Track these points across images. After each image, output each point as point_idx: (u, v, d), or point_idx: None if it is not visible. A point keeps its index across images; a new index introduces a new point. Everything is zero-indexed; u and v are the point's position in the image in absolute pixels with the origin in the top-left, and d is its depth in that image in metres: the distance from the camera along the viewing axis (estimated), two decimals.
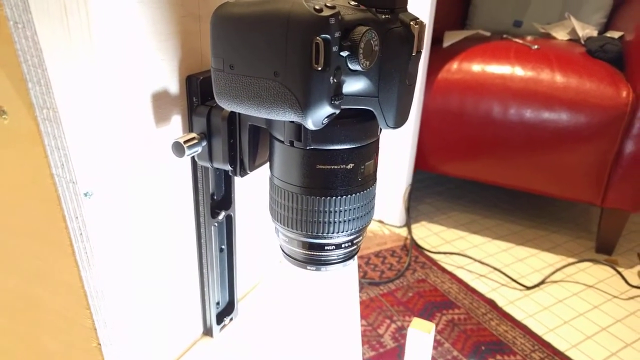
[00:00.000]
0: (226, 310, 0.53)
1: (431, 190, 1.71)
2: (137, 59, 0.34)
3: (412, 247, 1.36)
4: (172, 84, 0.39)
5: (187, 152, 0.39)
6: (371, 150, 0.38)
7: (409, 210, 1.47)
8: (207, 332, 0.51)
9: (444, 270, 1.29)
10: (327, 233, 0.38)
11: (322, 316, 0.66)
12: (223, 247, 0.50)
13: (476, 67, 1.31)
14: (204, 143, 0.41)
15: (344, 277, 0.67)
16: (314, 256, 0.40)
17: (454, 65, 1.33)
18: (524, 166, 1.31)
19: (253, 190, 0.54)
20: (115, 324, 0.34)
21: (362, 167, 0.37)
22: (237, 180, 0.49)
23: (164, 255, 0.43)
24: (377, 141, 0.39)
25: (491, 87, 1.28)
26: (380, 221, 1.50)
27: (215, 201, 0.48)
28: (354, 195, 0.37)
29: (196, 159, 0.43)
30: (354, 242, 0.40)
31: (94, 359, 0.32)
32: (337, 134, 0.35)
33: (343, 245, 0.39)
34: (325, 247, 0.39)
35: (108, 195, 0.31)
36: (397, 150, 1.39)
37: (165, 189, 0.41)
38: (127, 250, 0.35)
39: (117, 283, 0.34)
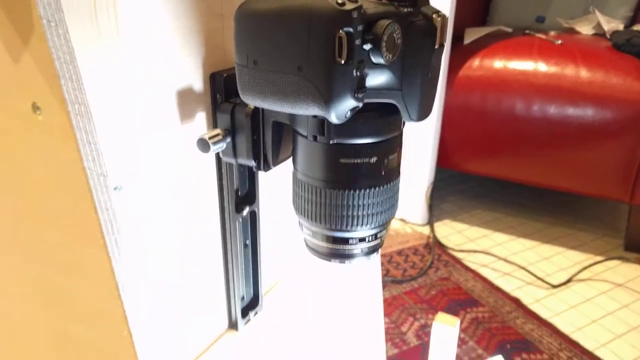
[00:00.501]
0: (251, 305, 0.53)
1: (453, 188, 1.70)
2: (163, 55, 0.35)
3: (434, 245, 1.35)
4: (197, 81, 0.40)
5: (212, 148, 0.40)
6: (395, 144, 0.38)
7: (431, 208, 1.46)
8: (232, 326, 0.52)
9: (467, 268, 1.27)
10: (351, 227, 0.38)
11: (346, 312, 0.67)
12: (247, 242, 0.51)
13: (498, 64, 1.30)
14: (228, 139, 0.42)
15: (367, 274, 0.68)
16: (337, 249, 0.40)
17: (476, 62, 1.32)
18: (548, 163, 1.29)
19: (277, 186, 0.54)
20: (145, 315, 0.35)
21: (386, 160, 0.37)
22: (261, 177, 0.50)
23: (190, 249, 0.43)
24: (401, 134, 0.39)
25: (513, 84, 1.26)
26: (402, 220, 1.49)
27: (240, 197, 0.48)
28: (377, 188, 0.37)
29: (221, 155, 0.43)
30: (378, 235, 0.40)
31: (125, 347, 0.33)
32: (361, 128, 0.35)
33: (367, 239, 0.40)
34: (349, 241, 0.39)
35: (136, 190, 0.32)
36: (419, 148, 1.39)
37: (191, 185, 0.42)
38: (156, 243, 0.36)
39: (146, 275, 0.34)
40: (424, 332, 1.06)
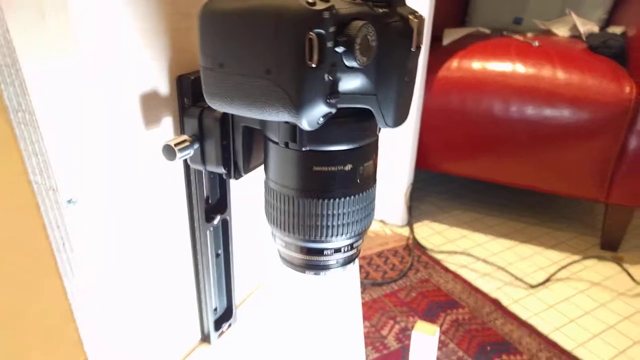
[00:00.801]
0: (224, 317, 0.51)
1: (433, 189, 1.70)
2: (124, 57, 0.32)
3: (414, 247, 1.34)
4: (162, 84, 0.38)
5: (179, 155, 0.37)
6: (370, 151, 0.36)
7: (410, 209, 1.45)
8: (205, 339, 0.49)
9: (447, 269, 1.27)
10: (326, 237, 0.36)
11: (324, 320, 0.65)
12: (219, 252, 0.49)
13: (476, 65, 1.29)
14: (196, 145, 0.39)
15: (345, 279, 0.66)
16: (312, 261, 0.38)
17: (454, 63, 1.32)
18: (526, 164, 1.30)
19: (250, 192, 0.52)
20: (103, 337, 0.33)
21: (361, 168, 0.36)
22: (233, 183, 0.48)
23: (157, 262, 0.41)
24: (377, 141, 0.37)
25: (492, 85, 1.26)
26: (381, 221, 1.48)
27: (210, 205, 0.46)
28: (353, 197, 0.36)
29: (189, 162, 0.41)
30: (354, 245, 0.39)
31: None
32: (334, 134, 0.34)
33: (342, 249, 0.38)
34: (324, 252, 0.38)
35: (94, 202, 0.30)
36: (397, 149, 1.38)
37: (156, 194, 0.39)
38: (115, 259, 0.33)
39: (104, 294, 0.32)
40: (404, 336, 1.05)
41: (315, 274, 0.39)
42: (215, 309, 0.50)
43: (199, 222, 0.45)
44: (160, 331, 0.44)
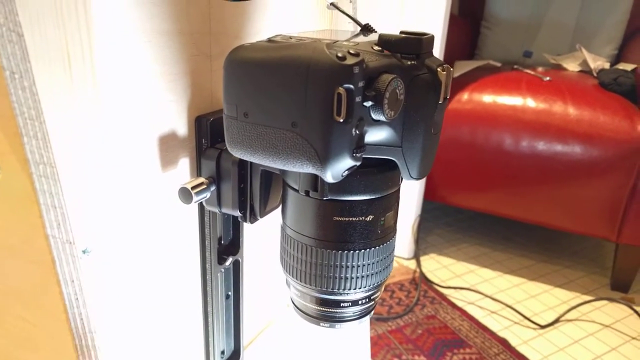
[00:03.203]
0: (232, 358, 0.49)
1: (440, 221, 1.68)
2: (145, 101, 0.32)
3: (421, 281, 1.32)
4: (181, 125, 0.37)
5: (195, 198, 0.37)
6: (392, 201, 0.35)
7: (418, 242, 1.44)
8: None
9: (454, 305, 1.24)
10: (343, 289, 0.35)
11: None
12: (230, 293, 0.48)
13: (487, 98, 1.29)
14: (213, 188, 0.39)
15: (358, 329, 0.64)
16: (328, 312, 0.37)
17: (465, 96, 1.32)
18: (536, 199, 1.28)
19: (263, 234, 0.51)
20: None
21: (382, 218, 0.35)
22: (247, 224, 0.47)
23: (167, 305, 0.40)
24: (398, 191, 0.36)
25: (503, 119, 1.25)
26: None
27: (223, 246, 0.45)
28: (373, 249, 0.35)
29: (204, 204, 0.40)
30: (372, 297, 0.37)
31: None
32: (357, 185, 0.33)
33: (360, 302, 0.37)
34: (341, 304, 0.36)
35: (108, 250, 0.29)
36: (406, 181, 1.37)
37: (170, 237, 0.38)
38: (127, 307, 0.32)
39: (115, 346, 0.31)
40: None
41: (330, 326, 0.38)
42: (223, 352, 0.49)
43: (210, 263, 0.44)
44: None
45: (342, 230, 0.34)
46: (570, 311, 1.24)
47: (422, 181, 1.39)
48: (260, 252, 0.52)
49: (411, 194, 1.39)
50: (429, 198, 1.43)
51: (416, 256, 1.42)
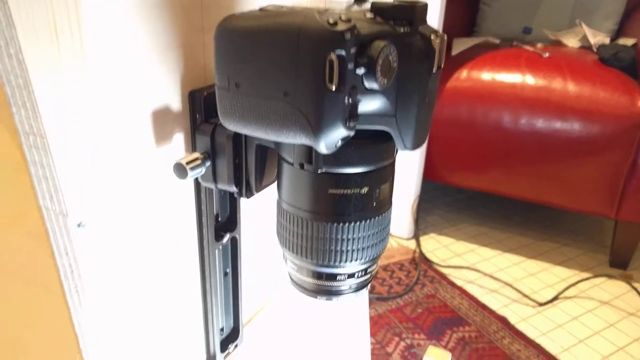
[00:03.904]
0: (230, 337, 0.50)
1: (440, 201, 1.68)
2: (136, 74, 0.31)
3: (421, 261, 1.33)
4: (174, 100, 0.37)
5: (190, 173, 0.36)
6: (387, 173, 0.35)
7: (417, 222, 1.44)
8: (210, 359, 0.48)
9: (453, 285, 1.25)
10: (340, 262, 0.35)
11: (332, 342, 0.63)
12: (228, 270, 0.48)
13: (486, 76, 1.28)
14: (208, 163, 0.38)
15: (355, 302, 0.65)
16: (324, 286, 0.37)
17: (463, 74, 1.31)
18: (535, 177, 1.28)
19: (260, 210, 0.51)
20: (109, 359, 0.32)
21: (378, 190, 0.35)
22: (243, 200, 0.47)
23: (164, 282, 0.40)
24: (394, 163, 0.36)
25: (502, 96, 1.25)
26: None
27: (220, 223, 0.45)
28: (368, 221, 0.34)
29: (199, 179, 0.40)
30: (368, 270, 0.37)
31: None
32: (351, 157, 0.32)
33: (356, 275, 0.37)
34: (337, 277, 0.36)
35: (103, 225, 0.29)
36: (405, 161, 1.37)
37: (166, 213, 0.38)
38: (124, 282, 0.32)
39: (112, 321, 0.31)
40: (410, 354, 1.03)
41: (327, 299, 0.38)
42: (222, 329, 0.49)
43: (208, 240, 0.44)
44: (166, 353, 0.43)
45: (337, 203, 0.34)
46: (568, 288, 1.25)
47: (421, 161, 1.39)
48: (257, 230, 0.52)
49: (410, 174, 1.39)
50: (429, 178, 1.43)
51: (416, 236, 1.42)
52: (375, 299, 1.18)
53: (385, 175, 0.35)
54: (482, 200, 1.67)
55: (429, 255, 1.36)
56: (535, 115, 1.22)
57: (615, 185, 1.22)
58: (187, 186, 0.41)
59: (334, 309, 0.61)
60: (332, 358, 0.64)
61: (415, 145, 0.33)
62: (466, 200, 1.69)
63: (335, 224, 0.34)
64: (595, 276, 1.31)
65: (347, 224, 0.34)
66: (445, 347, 1.06)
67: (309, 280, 0.37)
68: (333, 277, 0.36)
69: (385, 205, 0.36)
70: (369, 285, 0.39)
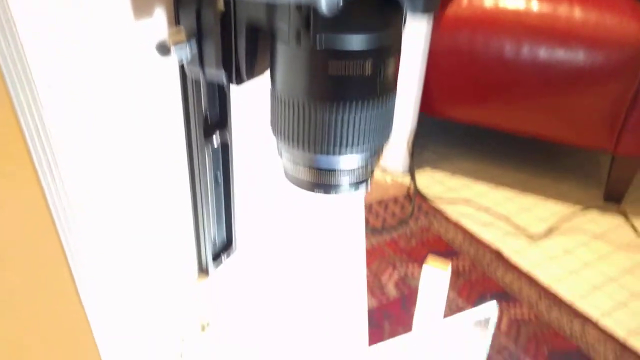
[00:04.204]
0: (224, 248, 0.47)
1: (435, 136, 1.65)
2: None
3: (415, 195, 1.31)
4: None
5: (173, 48, 0.32)
6: (392, 48, 0.32)
7: (412, 156, 1.41)
8: (203, 271, 0.46)
9: (448, 219, 1.24)
10: (339, 148, 0.32)
11: (327, 254, 0.62)
12: (219, 174, 0.45)
13: (488, 2, 1.22)
14: (193, 44, 0.35)
15: (351, 214, 0.62)
16: (322, 178, 0.34)
17: (464, 1, 1.24)
18: (534, 110, 1.25)
19: (251, 111, 0.48)
20: (96, 273, 0.29)
21: (382, 66, 0.31)
22: (234, 101, 0.43)
23: (150, 187, 0.37)
24: (400, 37, 0.32)
25: (504, 23, 1.19)
26: (382, 169, 1.44)
27: (209, 122, 0.42)
28: (371, 101, 0.31)
29: (185, 67, 0.36)
30: (368, 164, 0.34)
31: (79, 319, 0.27)
32: (352, 23, 0.29)
33: (356, 167, 0.34)
34: (336, 168, 0.33)
35: (79, 116, 0.25)
36: (401, 92, 1.32)
37: (148, 107, 0.35)
38: (107, 183, 0.29)
39: (101, 234, 0.28)
40: (404, 284, 1.03)
41: (325, 192, 0.35)
42: (214, 242, 0.47)
43: (197, 139, 0.40)
44: (155, 264, 0.40)
45: (336, 81, 0.30)
46: (562, 222, 1.25)
47: (418, 93, 1.35)
48: (249, 136, 0.49)
49: (406, 107, 1.35)
50: (425, 110, 1.39)
51: (411, 171, 1.40)
52: (370, 232, 1.17)
53: (389, 50, 0.31)
54: (477, 137, 1.65)
55: (423, 190, 1.34)
56: (538, 44, 1.17)
57: (616, 118, 1.19)
58: (172, 80, 0.37)
59: (332, 212, 0.59)
60: (328, 268, 0.63)
61: (428, 8, 0.29)
62: (461, 136, 1.66)
63: (334, 104, 0.30)
64: (589, 209, 1.30)
65: (347, 103, 0.30)
66: None
67: (306, 172, 0.34)
68: (331, 167, 0.33)
69: (389, 86, 0.32)
70: (369, 183, 0.36)
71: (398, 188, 1.36)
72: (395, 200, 1.30)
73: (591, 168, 1.52)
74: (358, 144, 0.32)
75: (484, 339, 0.52)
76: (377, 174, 1.42)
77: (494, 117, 1.31)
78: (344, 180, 0.35)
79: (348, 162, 0.33)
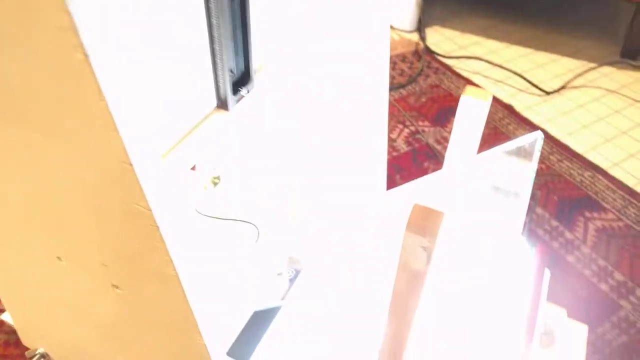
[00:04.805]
0: (242, 80, 0.44)
1: None
2: None
3: (424, 53, 1.25)
4: None
5: None
6: None
7: (421, 12, 1.32)
8: (222, 105, 0.43)
9: (459, 75, 1.20)
10: None
11: (349, 97, 0.58)
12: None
13: None
14: None
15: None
16: None
17: None
18: None
19: None
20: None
21: None
22: None
23: (164, 11, 0.32)
24: None
25: None
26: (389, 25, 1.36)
27: None
28: None
29: None
30: None
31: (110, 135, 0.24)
32: None
33: None
34: None
35: None
36: None
37: None
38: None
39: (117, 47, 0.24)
40: (414, 139, 1.01)
41: None
42: (232, 71, 0.43)
43: None
44: (172, 95, 0.37)
45: None
46: (576, 78, 1.21)
47: None
48: None
49: None
50: None
51: (419, 28, 1.32)
52: None
53: None
54: None
55: (433, 47, 1.28)
56: None
57: None
58: None
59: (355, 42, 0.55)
60: (350, 103, 0.60)
61: None
62: None
63: None
64: (604, 65, 1.25)
65: None
66: (450, 133, 1.04)
67: None
68: None
69: None
70: None
71: (406, 45, 1.29)
72: (404, 57, 1.24)
73: (609, 22, 1.43)
74: None
75: (528, 172, 0.51)
76: None
77: None
78: None
79: None
